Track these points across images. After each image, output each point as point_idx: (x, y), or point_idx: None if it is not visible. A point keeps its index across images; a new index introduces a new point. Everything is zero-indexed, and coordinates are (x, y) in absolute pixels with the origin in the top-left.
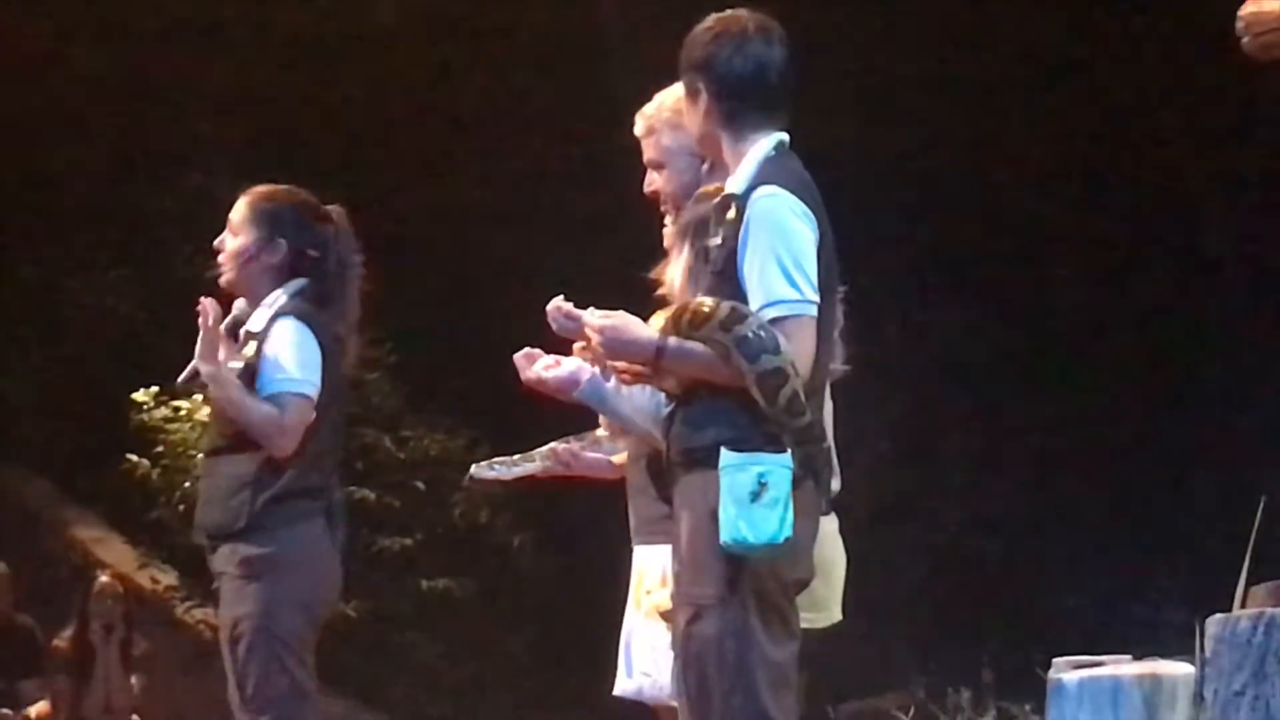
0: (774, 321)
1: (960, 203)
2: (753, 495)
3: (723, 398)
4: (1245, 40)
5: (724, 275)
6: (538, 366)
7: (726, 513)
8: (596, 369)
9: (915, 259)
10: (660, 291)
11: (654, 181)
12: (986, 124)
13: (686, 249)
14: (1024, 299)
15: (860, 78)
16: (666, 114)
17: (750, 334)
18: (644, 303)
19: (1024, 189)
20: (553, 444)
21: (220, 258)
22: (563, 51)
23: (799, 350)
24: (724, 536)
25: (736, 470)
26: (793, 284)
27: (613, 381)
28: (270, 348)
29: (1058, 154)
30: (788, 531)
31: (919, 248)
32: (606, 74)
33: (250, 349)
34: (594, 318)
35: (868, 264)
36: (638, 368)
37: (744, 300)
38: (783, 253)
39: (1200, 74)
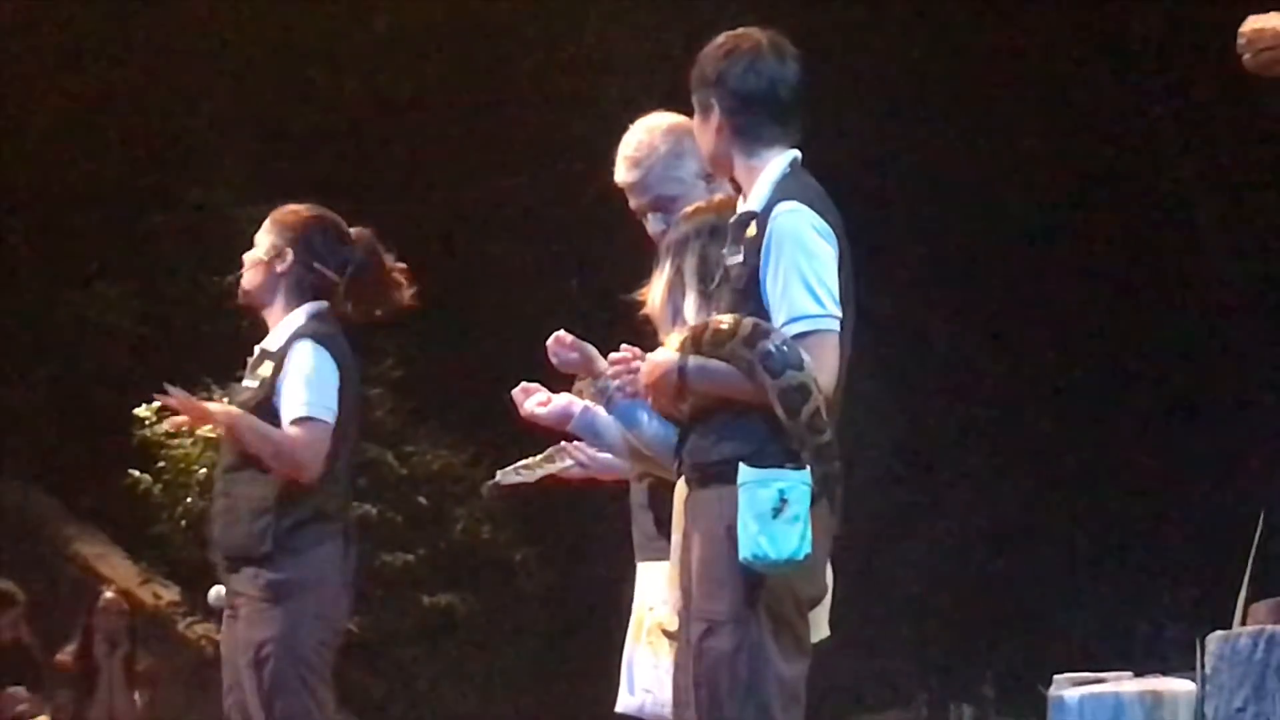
0: (797, 337)
1: (963, 216)
2: (774, 511)
3: (740, 414)
4: (1246, 57)
5: (745, 292)
6: (530, 403)
7: (747, 529)
8: (588, 402)
9: (917, 274)
10: (644, 311)
11: (655, 224)
12: (988, 138)
13: (667, 267)
14: (1027, 315)
15: (859, 88)
16: (655, 171)
17: (774, 349)
18: (635, 323)
19: (1028, 204)
20: (561, 444)
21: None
22: (564, 66)
23: (822, 365)
24: (744, 553)
25: (757, 486)
26: (816, 299)
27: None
28: (289, 372)
29: (1061, 170)
30: (807, 548)
31: (920, 262)
32: (605, 88)
33: (267, 369)
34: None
35: (869, 279)
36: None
37: (766, 317)
38: (805, 268)
39: (1203, 88)
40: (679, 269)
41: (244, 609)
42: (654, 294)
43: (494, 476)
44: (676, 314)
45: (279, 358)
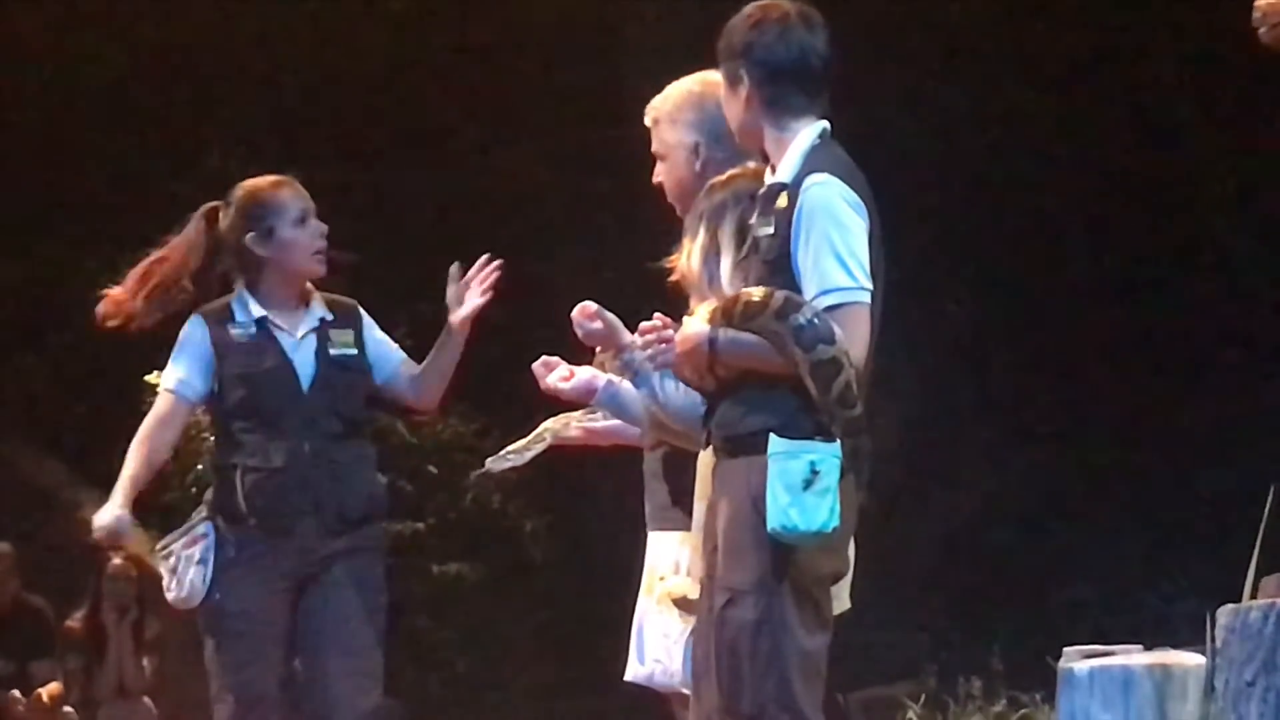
0: (829, 309)
1: (975, 192)
2: (805, 483)
3: (770, 386)
4: (1262, 31)
5: (776, 265)
6: (553, 377)
7: (777, 500)
8: (611, 376)
9: (929, 248)
10: (673, 278)
11: (659, 173)
12: (1000, 112)
13: (702, 233)
14: (1037, 290)
15: (876, 66)
16: (669, 107)
17: (805, 322)
18: (656, 291)
19: (1038, 179)
20: (552, 421)
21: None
22: (581, 36)
23: (854, 338)
24: (773, 523)
25: (788, 458)
26: (848, 271)
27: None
28: (377, 333)
29: (1071, 142)
30: (836, 521)
31: (933, 237)
32: (623, 60)
33: (348, 337)
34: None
35: (885, 249)
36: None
37: (796, 289)
38: (837, 240)
39: (1216, 64)
40: (714, 233)
41: (351, 565)
42: (690, 259)
43: (501, 458)
44: (712, 279)
45: (357, 326)
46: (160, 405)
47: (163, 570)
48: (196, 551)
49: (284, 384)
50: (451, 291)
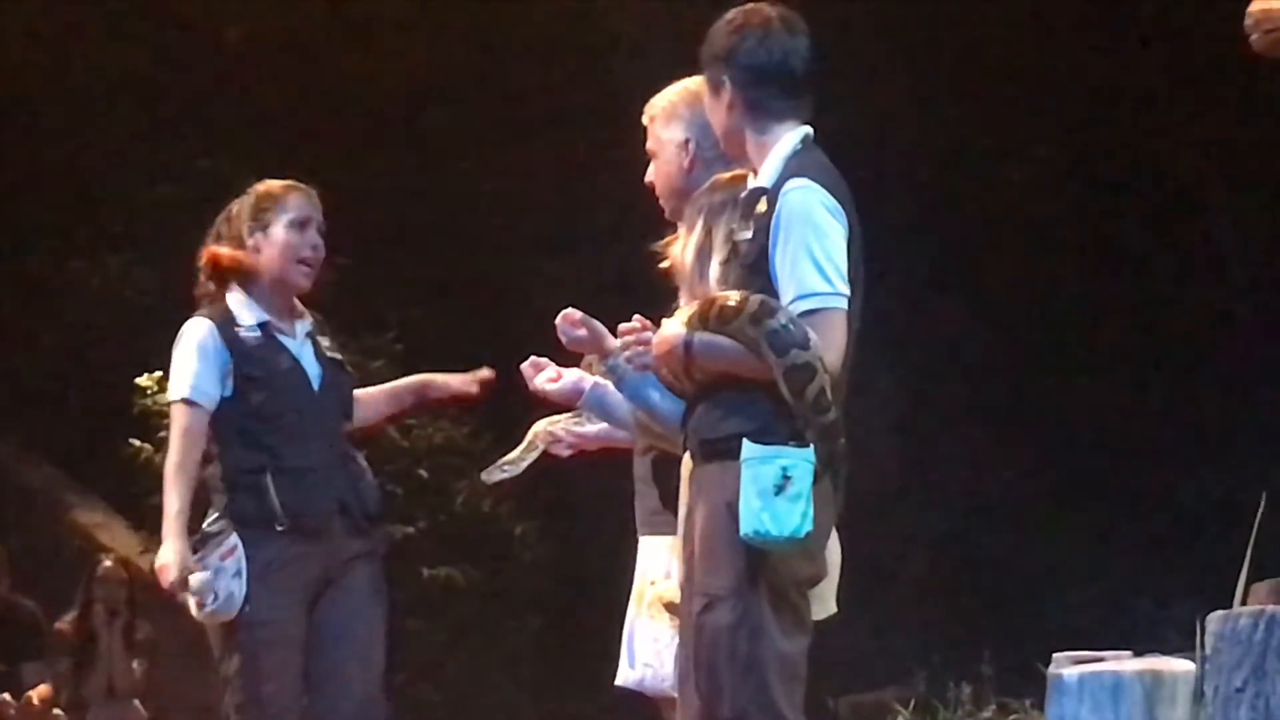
0: (805, 314)
1: (965, 195)
2: (776, 488)
3: (746, 390)
4: (1254, 37)
5: (755, 269)
6: (540, 379)
7: (749, 505)
8: (597, 379)
9: (919, 251)
10: (664, 265)
11: (650, 171)
12: (989, 117)
13: (699, 228)
14: (1028, 293)
15: (864, 71)
16: (664, 104)
17: (780, 327)
18: (648, 295)
19: (1028, 182)
20: (541, 425)
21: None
22: (573, 40)
23: (829, 343)
24: (745, 529)
25: (760, 463)
26: (824, 277)
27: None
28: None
29: (1061, 147)
30: (809, 526)
31: (923, 240)
32: (615, 64)
33: (329, 341)
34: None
35: (871, 257)
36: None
37: (774, 294)
38: (815, 246)
39: (1208, 69)
40: (710, 231)
41: (363, 568)
42: (685, 252)
43: (497, 470)
44: (702, 276)
45: (328, 335)
46: (184, 421)
47: (192, 582)
48: (231, 564)
49: (300, 385)
50: (461, 379)
